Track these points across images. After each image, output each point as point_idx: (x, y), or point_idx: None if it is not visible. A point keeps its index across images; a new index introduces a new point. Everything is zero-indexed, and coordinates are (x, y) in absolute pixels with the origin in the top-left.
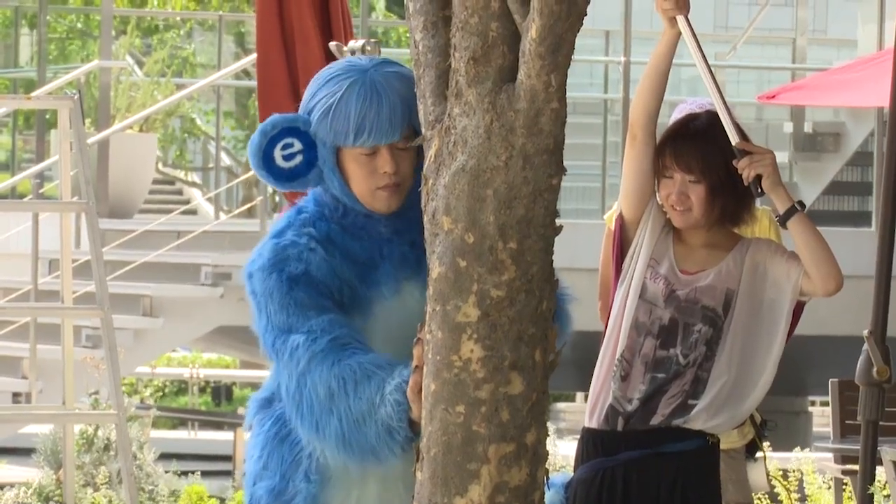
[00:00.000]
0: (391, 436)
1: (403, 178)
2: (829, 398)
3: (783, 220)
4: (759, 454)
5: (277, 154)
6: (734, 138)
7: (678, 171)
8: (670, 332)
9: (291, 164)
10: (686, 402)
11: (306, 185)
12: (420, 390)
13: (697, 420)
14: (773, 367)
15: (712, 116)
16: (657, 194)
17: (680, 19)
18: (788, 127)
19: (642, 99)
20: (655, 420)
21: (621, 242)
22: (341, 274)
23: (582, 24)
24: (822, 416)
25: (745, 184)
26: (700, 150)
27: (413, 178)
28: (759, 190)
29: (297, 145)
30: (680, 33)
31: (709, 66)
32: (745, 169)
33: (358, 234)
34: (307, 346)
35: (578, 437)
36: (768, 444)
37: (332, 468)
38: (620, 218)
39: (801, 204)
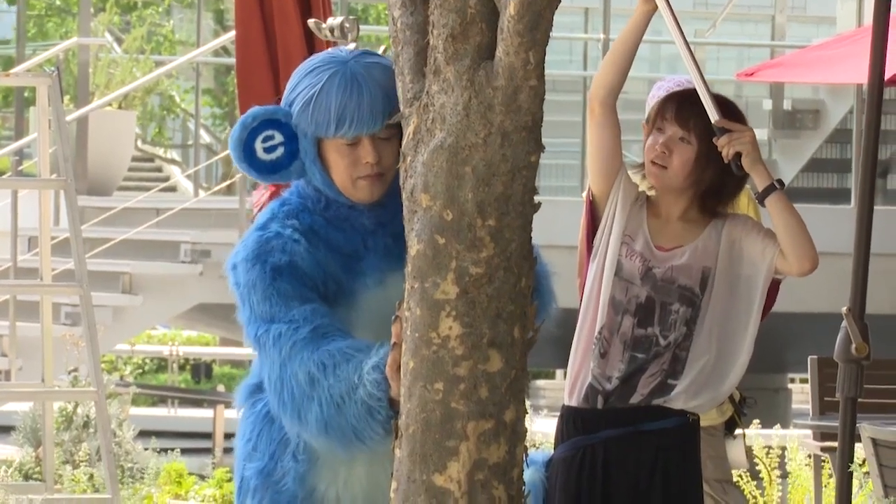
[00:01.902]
0: (371, 415)
1: (386, 169)
2: (808, 375)
3: (761, 198)
4: (738, 431)
5: (259, 146)
6: (714, 115)
7: (674, 124)
8: (648, 311)
9: (273, 156)
10: (665, 382)
11: (289, 178)
12: (399, 368)
13: (677, 401)
14: (750, 346)
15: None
16: (644, 149)
17: None
18: (768, 104)
19: (604, 73)
20: (635, 399)
21: (592, 218)
22: (326, 266)
23: (560, 0)
24: (801, 392)
25: (725, 161)
26: (704, 114)
27: (395, 169)
28: (739, 167)
29: (279, 137)
30: (654, 9)
31: (687, 44)
32: (725, 146)
33: (341, 226)
34: (289, 335)
35: (558, 414)
36: (757, 420)
37: (317, 452)
38: (590, 193)
39: (780, 182)
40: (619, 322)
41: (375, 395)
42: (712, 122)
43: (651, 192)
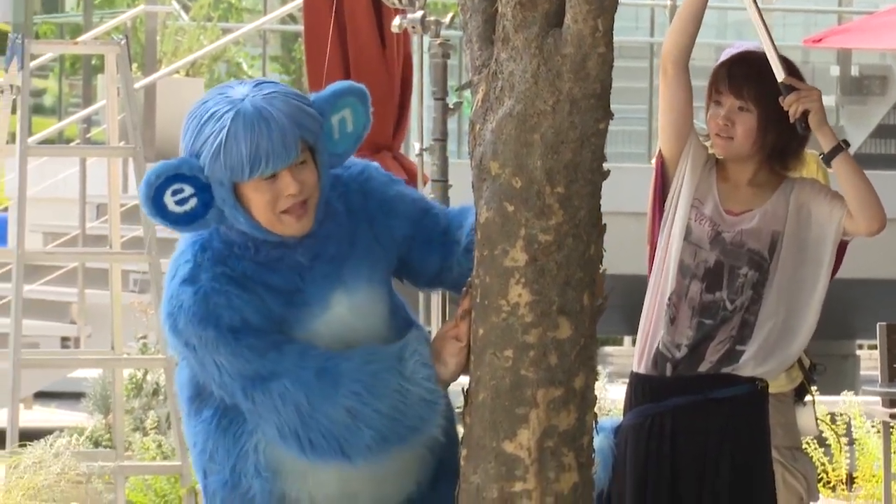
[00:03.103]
0: (432, 409)
1: (310, 192)
2: (877, 342)
3: (828, 159)
4: (807, 398)
5: (169, 200)
6: (780, 74)
7: (729, 95)
8: (716, 275)
9: (186, 207)
10: (734, 349)
11: (207, 226)
12: (450, 346)
13: (746, 367)
14: (817, 309)
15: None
16: (706, 121)
17: None
18: (835, 70)
19: (674, 34)
20: (703, 367)
21: (662, 181)
22: (269, 308)
23: None
24: (869, 359)
25: (791, 120)
26: (755, 78)
27: (318, 190)
28: (805, 126)
29: (188, 189)
30: None
31: (756, 4)
32: (793, 104)
33: (275, 267)
34: (298, 387)
35: (626, 381)
36: (815, 388)
37: (280, 460)
38: (660, 156)
39: (846, 143)
40: (687, 287)
41: (431, 388)
42: (779, 80)
43: (720, 156)
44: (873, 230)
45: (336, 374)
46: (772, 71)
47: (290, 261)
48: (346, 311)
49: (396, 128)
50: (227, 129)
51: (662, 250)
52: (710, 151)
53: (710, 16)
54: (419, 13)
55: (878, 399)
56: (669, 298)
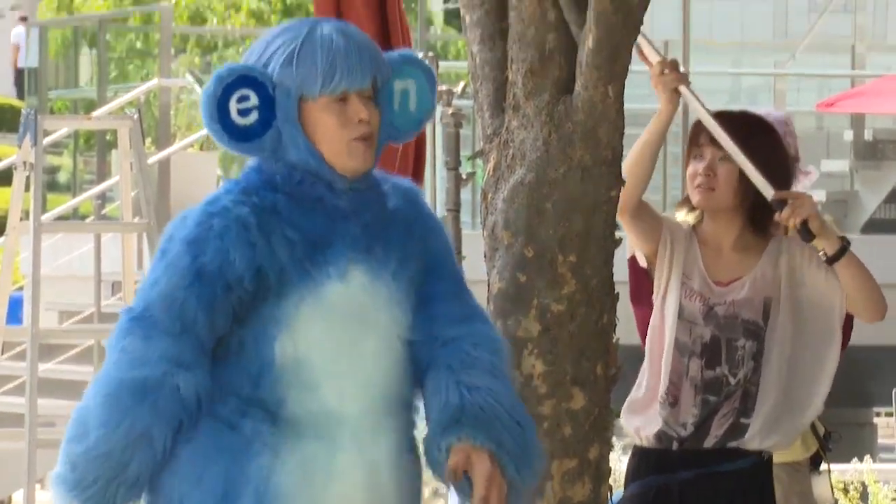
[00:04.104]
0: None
1: (374, 130)
2: (893, 409)
3: (832, 261)
4: (823, 467)
5: (233, 106)
6: (768, 192)
7: (710, 146)
8: (714, 351)
9: (246, 121)
10: (738, 422)
11: (260, 151)
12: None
13: (752, 442)
14: (828, 382)
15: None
16: (688, 179)
17: (683, 89)
18: (848, 135)
19: (629, 186)
20: (709, 442)
21: (636, 278)
22: (272, 257)
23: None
24: (887, 427)
25: (791, 231)
26: (734, 130)
27: (378, 141)
28: (808, 234)
29: (254, 99)
30: (675, 110)
31: (725, 133)
32: (790, 218)
33: (312, 207)
34: (134, 364)
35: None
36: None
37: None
38: (633, 260)
39: (847, 241)
40: (687, 365)
41: None
42: (768, 198)
43: (696, 220)
44: (874, 320)
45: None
46: (752, 124)
47: (331, 205)
48: (360, 289)
49: None
50: (302, 37)
51: (656, 332)
52: (684, 219)
53: (724, 81)
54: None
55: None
56: (669, 379)
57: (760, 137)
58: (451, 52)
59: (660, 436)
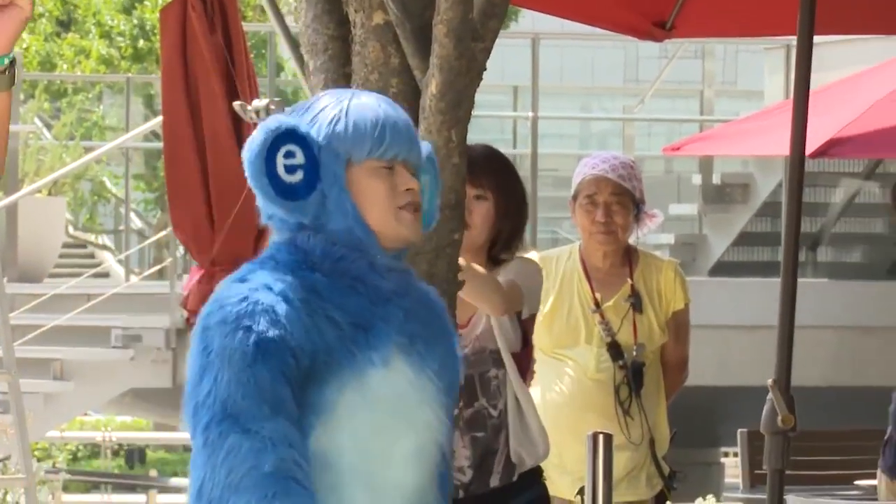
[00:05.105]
0: None
1: (420, 205)
2: (738, 449)
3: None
4: None
5: (280, 161)
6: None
7: (469, 185)
8: (470, 388)
9: (293, 178)
10: (511, 454)
11: (302, 214)
12: None
13: (522, 465)
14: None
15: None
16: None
17: None
18: (697, 179)
19: None
20: (494, 481)
21: None
22: (322, 336)
23: (482, 79)
24: (734, 466)
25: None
26: (495, 171)
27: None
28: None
29: (300, 157)
30: None
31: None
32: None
33: (352, 286)
34: (249, 457)
35: None
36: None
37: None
38: None
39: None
40: None
41: None
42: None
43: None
44: (497, 315)
45: (281, 483)
46: (507, 163)
47: (372, 284)
48: (404, 380)
49: (257, 241)
50: (349, 100)
51: None
52: None
53: (573, 126)
54: None
55: None
56: None
57: (509, 172)
58: (302, 98)
59: None
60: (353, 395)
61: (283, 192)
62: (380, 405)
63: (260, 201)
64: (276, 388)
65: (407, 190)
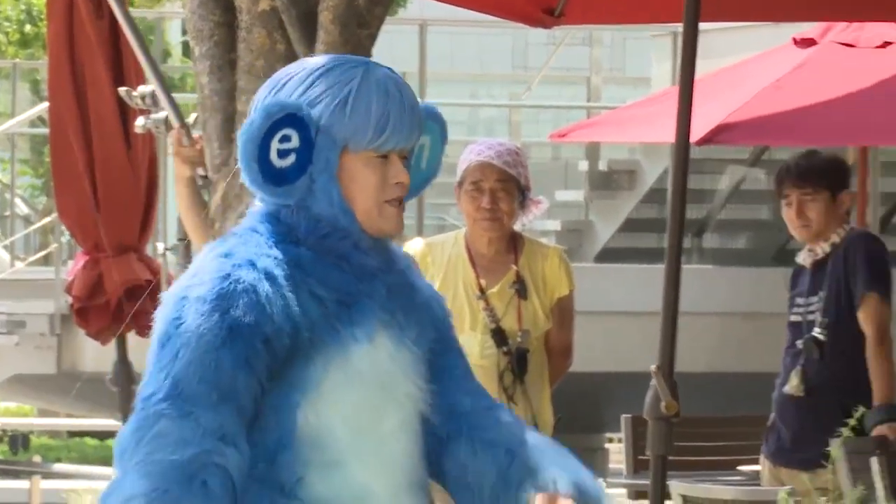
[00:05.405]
0: None
1: (406, 193)
2: (622, 434)
3: None
4: None
5: (274, 146)
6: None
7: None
8: None
9: (283, 163)
10: None
11: (287, 198)
12: None
13: None
14: None
15: None
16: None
17: None
18: (583, 165)
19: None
20: None
21: None
22: (304, 314)
23: None
24: (618, 452)
25: None
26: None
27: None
28: None
29: (295, 141)
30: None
31: None
32: None
33: (336, 263)
34: (171, 446)
35: None
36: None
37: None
38: None
39: None
40: None
41: None
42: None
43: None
44: None
45: (191, 482)
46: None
47: (356, 262)
48: (386, 356)
49: (143, 228)
50: (357, 82)
51: None
52: None
53: (462, 113)
54: (163, 113)
55: (625, 491)
56: None
57: None
58: (189, 85)
59: None
60: (336, 372)
61: (271, 177)
62: (364, 381)
63: (245, 181)
64: (235, 376)
65: (397, 183)
